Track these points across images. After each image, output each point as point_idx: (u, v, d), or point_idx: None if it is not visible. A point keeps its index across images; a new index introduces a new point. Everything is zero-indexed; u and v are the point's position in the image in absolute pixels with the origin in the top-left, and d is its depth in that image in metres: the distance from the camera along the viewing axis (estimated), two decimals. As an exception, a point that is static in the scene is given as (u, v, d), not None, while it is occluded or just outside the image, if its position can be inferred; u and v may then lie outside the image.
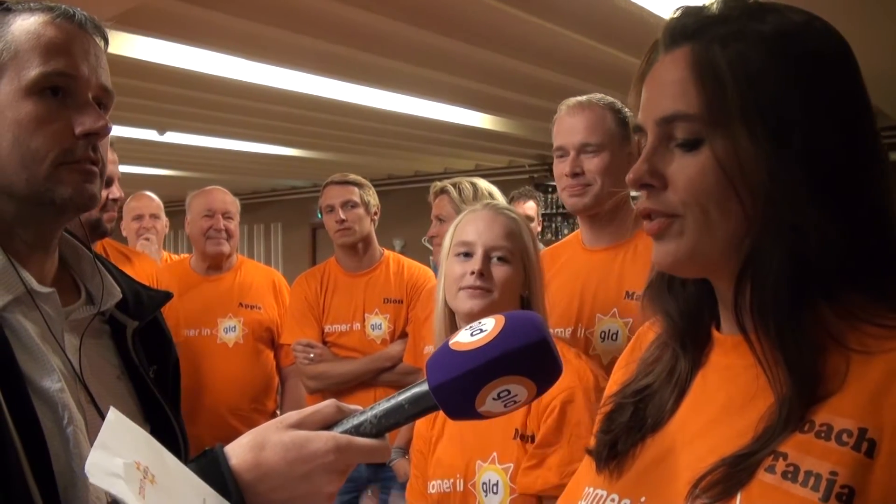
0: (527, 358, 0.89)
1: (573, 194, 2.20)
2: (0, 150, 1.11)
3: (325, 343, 3.42)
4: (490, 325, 0.91)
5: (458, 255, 1.83)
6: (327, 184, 3.51)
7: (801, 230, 0.82)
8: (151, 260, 3.84)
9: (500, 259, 1.80)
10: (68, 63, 1.13)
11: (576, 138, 2.18)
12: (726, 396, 0.91)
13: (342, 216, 3.39)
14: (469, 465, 1.74)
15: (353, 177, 3.51)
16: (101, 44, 1.20)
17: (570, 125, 2.21)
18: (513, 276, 1.80)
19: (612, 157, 2.15)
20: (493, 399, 0.90)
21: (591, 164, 2.16)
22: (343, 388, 3.32)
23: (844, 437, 0.77)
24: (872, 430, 0.77)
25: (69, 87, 1.13)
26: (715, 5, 0.91)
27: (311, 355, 3.36)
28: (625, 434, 1.00)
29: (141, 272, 3.18)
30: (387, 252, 3.63)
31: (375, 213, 3.53)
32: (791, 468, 0.78)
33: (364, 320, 3.42)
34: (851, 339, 0.82)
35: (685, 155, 0.87)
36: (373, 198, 3.50)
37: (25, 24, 1.12)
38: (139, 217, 4.32)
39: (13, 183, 1.12)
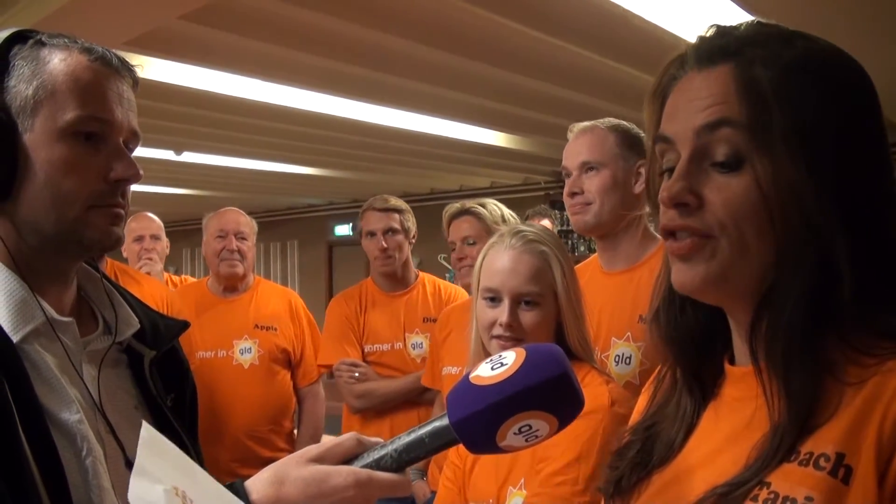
0: (547, 393, 0.88)
1: (574, 213, 2.24)
2: (30, 187, 1.11)
3: (366, 362, 3.40)
4: (511, 359, 0.90)
5: (486, 298, 1.79)
6: (368, 208, 3.49)
7: (829, 263, 0.81)
8: (160, 283, 3.84)
9: (528, 303, 1.75)
10: (104, 108, 1.14)
11: (577, 159, 2.23)
12: (730, 427, 0.92)
13: (384, 244, 3.38)
14: (501, 491, 1.72)
15: (393, 202, 3.47)
16: (132, 86, 1.21)
17: (573, 147, 2.26)
18: (544, 315, 1.75)
19: (613, 176, 2.17)
20: (515, 434, 0.88)
21: (592, 183, 2.19)
22: (387, 406, 3.31)
23: (822, 462, 0.78)
24: (850, 456, 0.77)
25: (102, 132, 1.14)
26: (746, 27, 0.90)
27: (356, 374, 3.33)
28: (629, 471, 1.00)
29: (150, 295, 3.17)
30: (421, 273, 3.63)
31: (414, 237, 3.52)
32: (772, 495, 0.79)
33: (405, 339, 3.42)
34: (850, 372, 0.81)
35: (724, 175, 0.85)
36: (412, 222, 3.49)
37: (63, 65, 1.13)
38: (140, 238, 4.29)
39: (41, 221, 1.12)
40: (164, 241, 4.43)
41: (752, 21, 0.92)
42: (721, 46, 0.88)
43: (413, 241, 3.53)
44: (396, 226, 3.41)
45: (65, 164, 1.11)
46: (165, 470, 0.83)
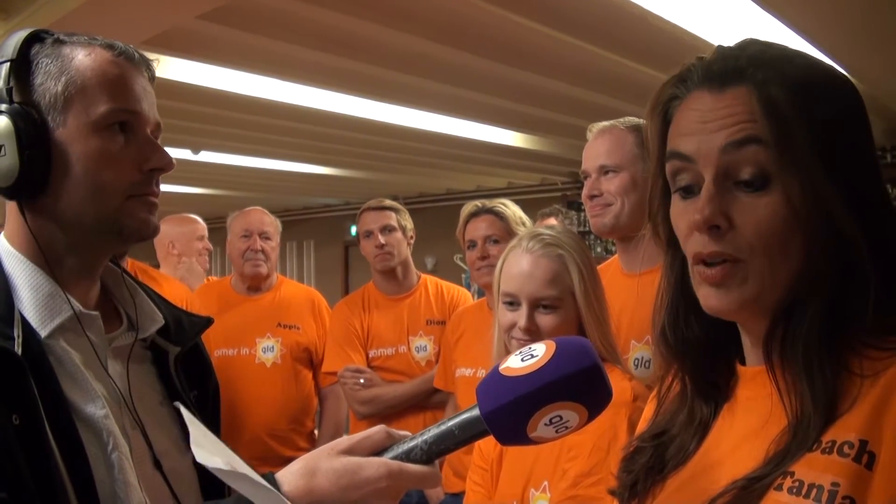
0: (578, 383, 0.89)
1: (593, 215, 2.23)
2: (69, 182, 1.13)
3: (370, 367, 3.39)
4: (541, 351, 0.91)
5: (505, 302, 1.80)
6: (364, 210, 3.52)
7: (854, 273, 0.85)
8: (180, 283, 3.83)
9: (546, 307, 1.76)
10: (132, 100, 1.17)
11: (596, 161, 2.22)
12: (747, 426, 0.94)
13: (381, 241, 3.40)
14: (525, 493, 1.72)
15: (388, 202, 3.52)
16: (150, 80, 1.24)
17: (592, 149, 2.25)
18: (562, 319, 1.76)
19: (632, 177, 2.16)
20: (545, 425, 0.89)
21: (611, 184, 2.18)
22: (394, 411, 3.30)
23: (846, 449, 0.80)
24: (873, 443, 0.80)
25: (132, 124, 1.17)
26: (749, 47, 0.92)
27: (362, 381, 3.32)
28: (644, 475, 1.02)
29: (168, 295, 3.18)
30: (423, 275, 3.64)
31: (411, 237, 3.53)
32: (797, 483, 0.81)
33: (409, 342, 3.42)
34: (864, 365, 0.85)
35: (751, 196, 0.86)
36: (409, 222, 3.51)
37: (89, 61, 1.15)
38: (202, 238, 4.28)
39: (82, 213, 1.14)
40: None
41: (751, 39, 0.94)
42: (735, 68, 0.90)
43: (411, 240, 3.54)
44: (393, 223, 3.44)
45: (101, 156, 1.14)
46: (215, 449, 0.84)
